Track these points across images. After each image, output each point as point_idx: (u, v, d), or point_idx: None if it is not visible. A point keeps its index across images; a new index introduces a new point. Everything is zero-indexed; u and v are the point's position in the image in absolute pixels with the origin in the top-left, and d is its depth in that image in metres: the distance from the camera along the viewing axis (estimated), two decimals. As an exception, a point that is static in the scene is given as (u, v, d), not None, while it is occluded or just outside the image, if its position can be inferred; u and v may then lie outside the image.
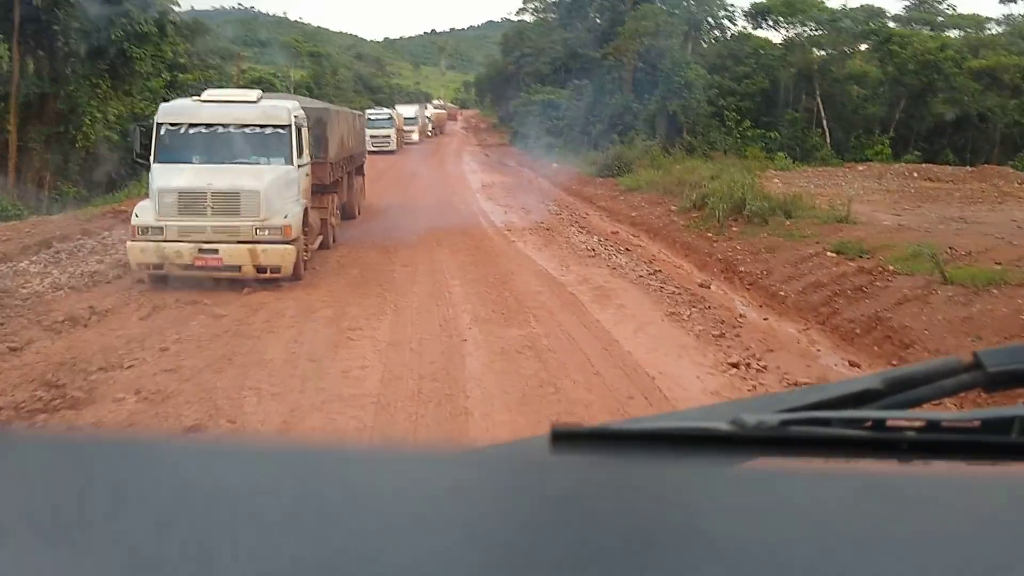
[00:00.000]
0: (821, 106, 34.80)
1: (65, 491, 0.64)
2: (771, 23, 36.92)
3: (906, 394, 0.94)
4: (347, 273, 11.87)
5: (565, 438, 0.81)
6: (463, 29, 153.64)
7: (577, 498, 0.68)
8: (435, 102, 71.42)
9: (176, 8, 28.83)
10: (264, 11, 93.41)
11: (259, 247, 10.65)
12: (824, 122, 34.85)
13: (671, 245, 16.31)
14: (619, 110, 36.58)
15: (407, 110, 47.77)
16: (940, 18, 43.52)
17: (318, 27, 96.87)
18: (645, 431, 0.85)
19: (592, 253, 14.31)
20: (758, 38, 38.23)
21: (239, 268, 10.67)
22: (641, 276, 12.26)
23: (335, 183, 14.91)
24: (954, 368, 0.95)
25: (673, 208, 19.74)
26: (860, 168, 27.74)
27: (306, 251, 11.77)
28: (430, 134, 55.08)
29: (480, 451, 0.93)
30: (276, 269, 10.74)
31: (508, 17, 73.60)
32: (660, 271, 12.98)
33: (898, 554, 0.59)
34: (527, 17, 60.58)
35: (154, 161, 11.32)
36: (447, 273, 11.97)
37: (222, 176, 10.86)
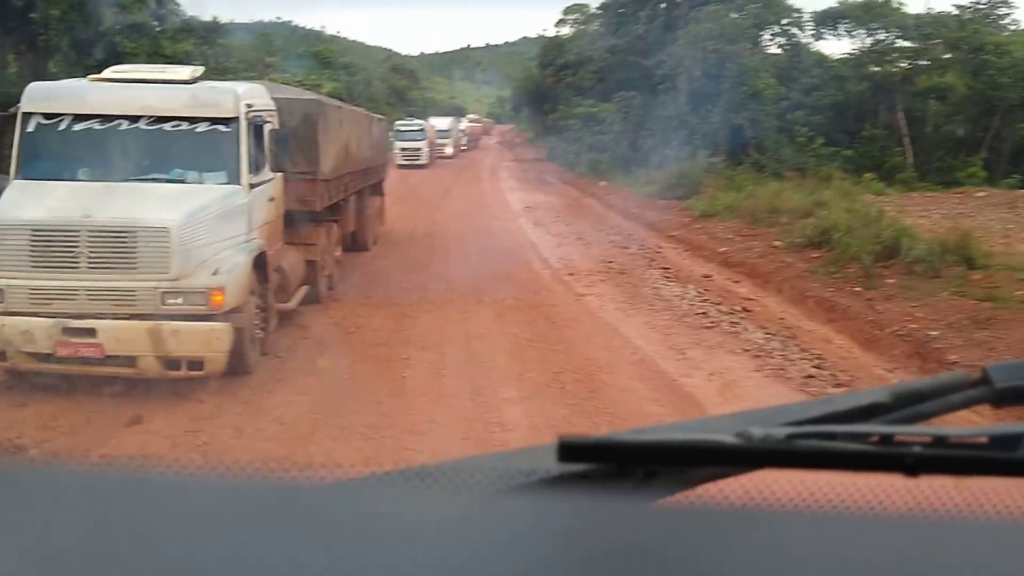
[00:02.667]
0: (903, 122, 29.42)
1: (66, 523, 0.60)
2: (843, 31, 31.60)
3: (913, 408, 0.89)
4: (329, 367, 6.87)
5: (572, 449, 0.75)
6: (498, 45, 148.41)
7: (583, 509, 0.66)
8: (470, 116, 66.65)
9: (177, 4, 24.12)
10: (301, 25, 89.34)
11: (167, 326, 5.72)
12: (906, 140, 29.47)
13: (797, 300, 11.19)
14: (673, 124, 31.41)
15: (441, 122, 43.00)
16: (1005, 33, 37.79)
17: (354, 41, 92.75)
18: (651, 443, 0.81)
19: (706, 321, 9.20)
20: (812, 53, 32.93)
21: (132, 362, 5.75)
22: (809, 375, 7.14)
23: (334, 208, 9.99)
24: (962, 383, 0.91)
25: (777, 244, 14.60)
26: (979, 194, 22.35)
27: (262, 325, 6.81)
28: (464, 148, 50.31)
29: (488, 460, 0.88)
30: (197, 364, 5.79)
31: (543, 33, 68.80)
32: (822, 357, 7.89)
33: (904, 569, 0.58)
34: (566, 29, 55.88)
35: (14, 175, 6.47)
36: (493, 367, 6.93)
37: (111, 202, 5.94)
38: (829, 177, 25.01)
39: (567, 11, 56.46)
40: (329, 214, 9.70)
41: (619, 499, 0.70)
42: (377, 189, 14.22)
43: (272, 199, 7.18)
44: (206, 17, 32.17)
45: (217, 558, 0.55)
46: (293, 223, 8.60)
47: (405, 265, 11.87)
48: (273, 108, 7.39)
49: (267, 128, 6.93)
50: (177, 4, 23.92)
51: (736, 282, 12.67)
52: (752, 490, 0.78)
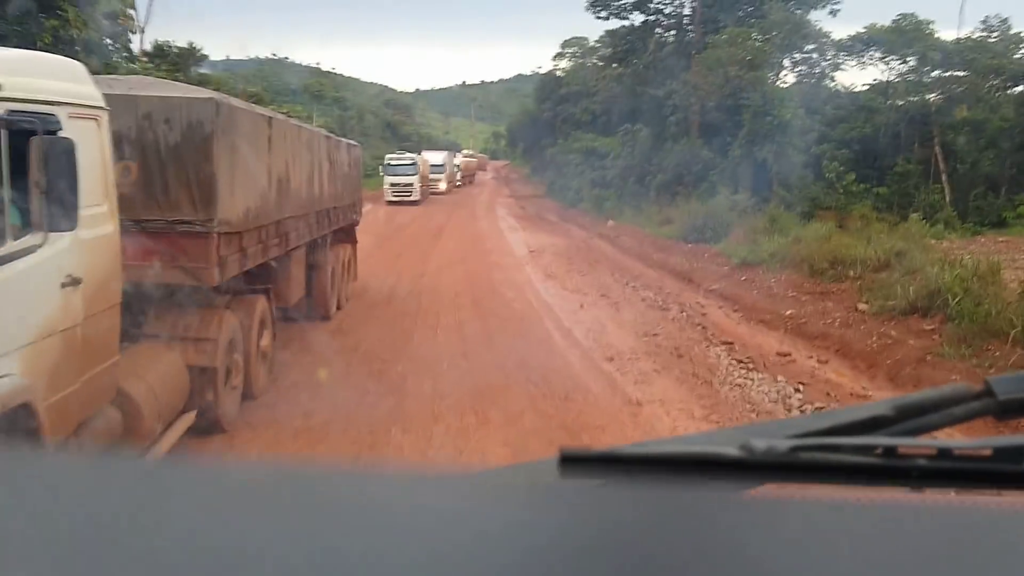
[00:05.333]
0: (940, 157, 26.05)
1: (86, 509, 0.59)
2: (868, 59, 28.34)
3: (916, 421, 0.85)
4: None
5: (574, 461, 0.75)
6: (493, 82, 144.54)
7: (584, 523, 0.64)
8: (464, 151, 63.36)
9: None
10: (298, 61, 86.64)
11: None
12: (944, 177, 26.07)
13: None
14: (685, 158, 28.05)
15: (434, 156, 39.48)
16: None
17: (350, 77, 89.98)
18: (654, 455, 0.78)
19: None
20: (834, 82, 29.73)
21: None
22: None
23: (259, 274, 6.34)
24: (964, 395, 0.87)
25: (863, 308, 10.97)
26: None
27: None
28: (459, 184, 46.86)
29: (489, 473, 0.84)
30: None
31: (538, 70, 66.08)
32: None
33: None
34: (564, 63, 52.89)
35: None
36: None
37: None
38: (865, 217, 21.68)
39: (565, 44, 53.51)
40: (247, 284, 6.03)
41: (621, 512, 0.66)
42: (346, 235, 10.55)
43: (72, 281, 3.44)
44: (181, 42, 28.84)
45: (217, 549, 0.53)
46: (168, 308, 4.93)
47: (376, 346, 8.16)
48: (92, 104, 3.70)
49: (40, 140, 3.16)
50: (133, 20, 20.32)
51: (823, 362, 9.04)
52: (755, 503, 0.75)
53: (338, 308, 9.67)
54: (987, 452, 0.77)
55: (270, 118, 6.23)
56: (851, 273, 13.00)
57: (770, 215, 18.55)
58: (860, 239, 15.49)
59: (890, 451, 0.76)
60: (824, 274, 13.38)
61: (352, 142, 11.45)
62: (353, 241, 11.01)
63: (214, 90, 9.30)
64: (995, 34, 29.80)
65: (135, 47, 26.48)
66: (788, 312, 11.44)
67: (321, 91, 53.92)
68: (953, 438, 0.84)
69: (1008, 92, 26.27)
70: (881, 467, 0.75)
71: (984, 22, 29.73)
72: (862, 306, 10.96)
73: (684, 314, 11.29)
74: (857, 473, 0.75)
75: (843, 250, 14.08)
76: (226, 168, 5.08)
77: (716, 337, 9.80)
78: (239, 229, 5.43)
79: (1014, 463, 0.76)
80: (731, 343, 9.53)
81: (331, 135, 9.64)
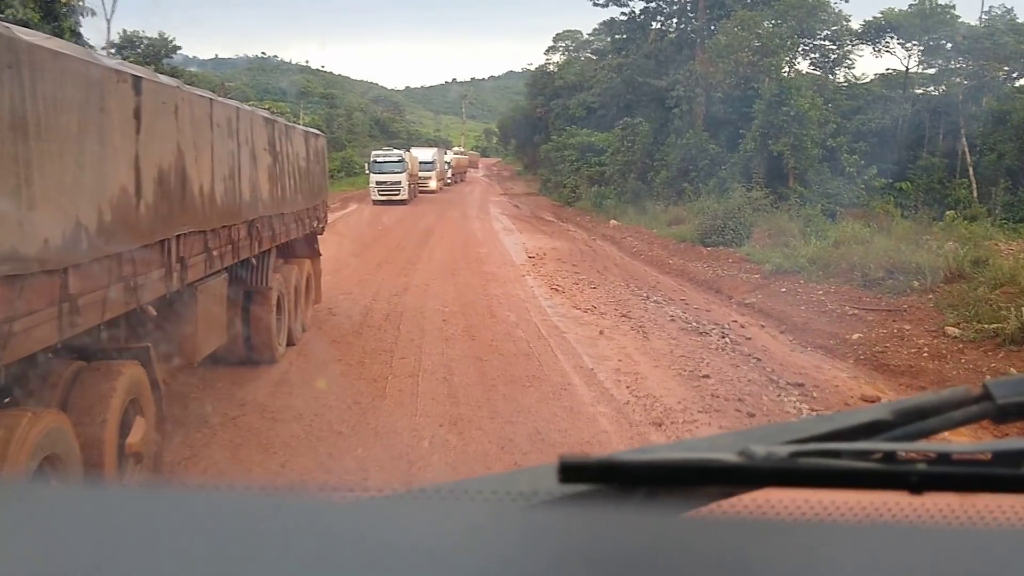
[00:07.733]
0: (967, 150, 23.76)
1: (79, 541, 0.55)
2: (885, 45, 26.03)
3: (915, 425, 0.82)
4: None
5: (574, 469, 0.72)
6: (484, 79, 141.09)
7: (584, 531, 0.62)
8: (455, 148, 60.78)
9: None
10: (286, 60, 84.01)
11: None
12: (971, 171, 23.78)
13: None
14: (691, 152, 25.71)
15: (423, 153, 36.99)
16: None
17: (339, 75, 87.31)
18: (653, 462, 0.75)
19: None
20: (851, 69, 27.41)
21: None
22: None
23: (125, 327, 3.92)
24: (963, 399, 0.84)
25: (953, 332, 8.63)
26: None
27: None
28: (449, 181, 44.40)
29: (489, 481, 0.82)
30: None
31: (528, 67, 63.60)
32: None
33: None
34: (556, 57, 50.50)
35: None
36: None
37: None
38: (890, 214, 19.40)
39: (558, 38, 51.21)
40: (106, 343, 3.63)
41: (621, 519, 0.65)
42: (302, 249, 8.13)
43: None
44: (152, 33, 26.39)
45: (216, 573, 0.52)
46: None
47: (330, 409, 5.73)
48: None
49: None
50: (82, 2, 17.73)
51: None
52: (755, 508, 0.73)
53: (290, 344, 7.26)
54: (986, 456, 0.75)
55: (137, 78, 3.80)
56: (915, 284, 10.68)
57: (805, 214, 16.17)
58: (906, 241, 13.21)
59: (889, 456, 0.74)
60: (881, 285, 11.06)
61: (313, 130, 9.02)
62: (314, 255, 8.59)
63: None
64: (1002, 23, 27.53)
65: (100, 37, 23.93)
66: (855, 336, 9.09)
67: (308, 88, 51.33)
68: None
69: (1015, 83, 23.96)
70: (880, 472, 0.73)
71: (987, 12, 27.49)
72: (952, 330, 8.61)
73: (727, 340, 8.92)
74: (856, 478, 0.72)
75: (898, 255, 11.76)
76: (6, 157, 2.66)
77: (780, 376, 7.43)
78: (55, 265, 3.01)
79: (1013, 467, 0.74)
80: (802, 384, 7.19)
81: (277, 119, 7.19)
